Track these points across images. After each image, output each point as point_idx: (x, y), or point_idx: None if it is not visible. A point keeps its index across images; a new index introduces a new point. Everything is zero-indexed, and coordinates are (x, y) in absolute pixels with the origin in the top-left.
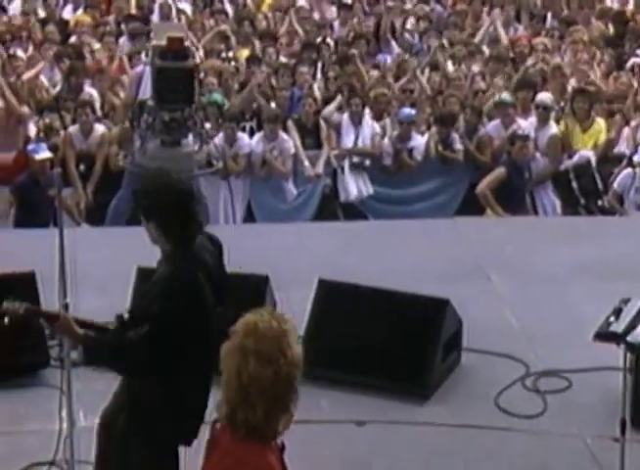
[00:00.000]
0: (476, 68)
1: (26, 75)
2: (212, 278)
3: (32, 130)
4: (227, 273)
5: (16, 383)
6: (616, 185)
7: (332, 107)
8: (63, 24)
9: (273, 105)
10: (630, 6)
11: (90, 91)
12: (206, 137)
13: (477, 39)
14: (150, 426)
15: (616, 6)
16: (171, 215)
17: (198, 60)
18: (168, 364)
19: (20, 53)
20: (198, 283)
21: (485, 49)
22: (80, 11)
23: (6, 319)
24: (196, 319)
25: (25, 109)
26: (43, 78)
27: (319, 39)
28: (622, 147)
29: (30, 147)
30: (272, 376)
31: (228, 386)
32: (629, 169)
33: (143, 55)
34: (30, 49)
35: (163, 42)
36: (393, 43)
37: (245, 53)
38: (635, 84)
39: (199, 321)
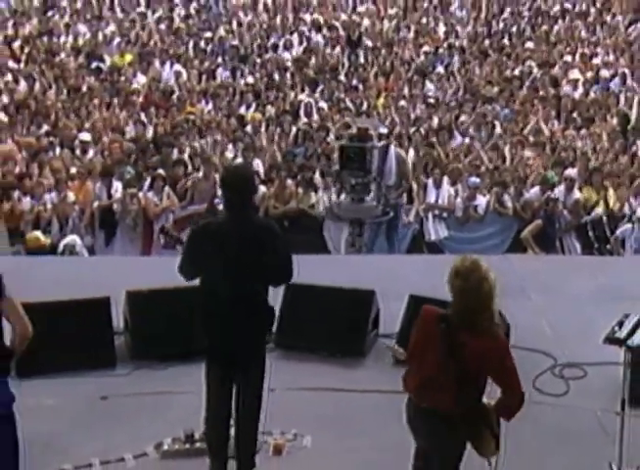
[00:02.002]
0: (524, 152)
1: (215, 155)
2: (226, 245)
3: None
4: (266, 258)
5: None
6: (619, 234)
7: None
8: (240, 118)
9: None
10: (634, 109)
11: (258, 162)
12: (383, 196)
13: (525, 132)
14: None
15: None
16: (223, 195)
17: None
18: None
19: (209, 139)
20: (194, 231)
21: (531, 138)
22: (252, 109)
23: None
24: (191, 253)
25: (216, 176)
26: (228, 155)
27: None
28: (625, 209)
29: (216, 200)
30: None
31: (464, 306)
32: (629, 225)
33: None
34: (218, 136)
35: (354, 130)
36: (456, 132)
37: None
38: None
39: (194, 256)
